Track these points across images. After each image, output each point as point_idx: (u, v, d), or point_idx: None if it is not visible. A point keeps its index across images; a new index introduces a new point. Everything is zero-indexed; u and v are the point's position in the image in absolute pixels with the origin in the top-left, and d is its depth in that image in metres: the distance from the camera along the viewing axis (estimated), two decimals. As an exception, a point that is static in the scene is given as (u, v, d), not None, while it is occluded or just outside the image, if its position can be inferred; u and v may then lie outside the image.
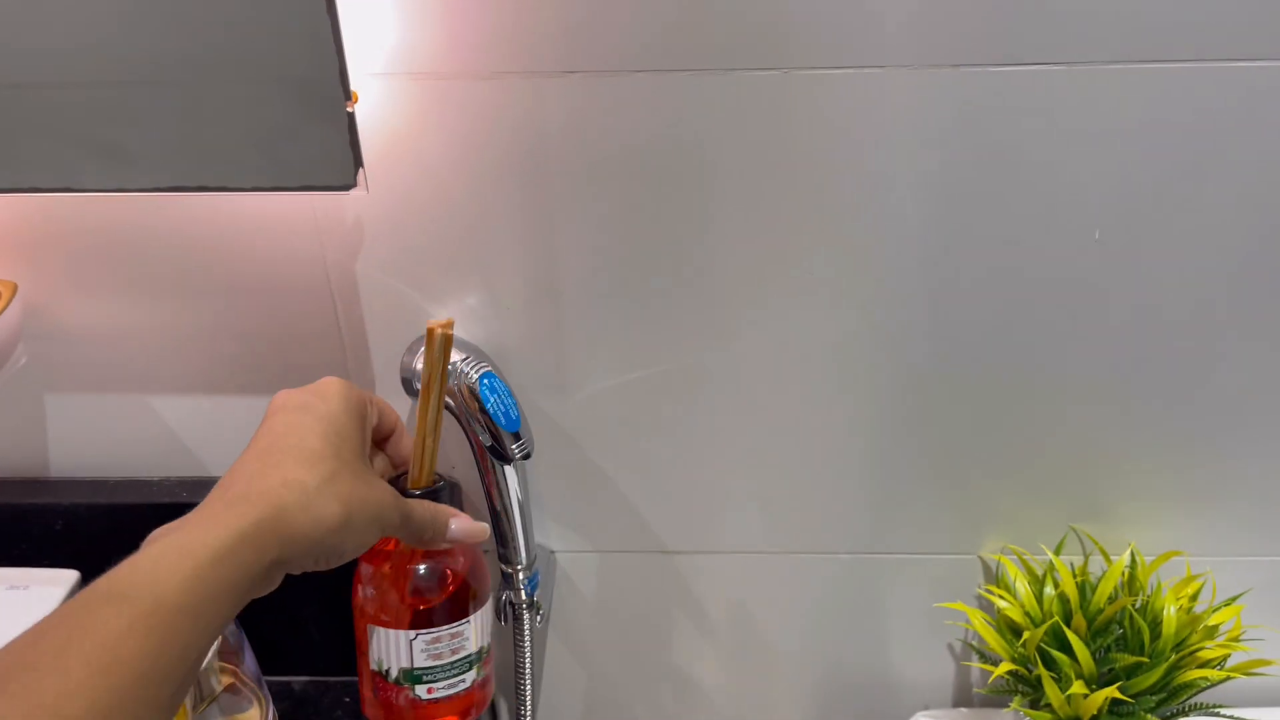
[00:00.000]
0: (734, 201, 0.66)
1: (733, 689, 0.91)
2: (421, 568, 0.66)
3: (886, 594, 0.85)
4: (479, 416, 0.68)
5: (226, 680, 0.64)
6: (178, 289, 0.71)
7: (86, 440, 0.78)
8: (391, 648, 0.66)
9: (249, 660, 0.64)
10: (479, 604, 0.68)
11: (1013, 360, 0.72)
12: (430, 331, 0.55)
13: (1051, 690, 0.67)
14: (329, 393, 0.52)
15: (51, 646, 0.38)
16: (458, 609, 0.66)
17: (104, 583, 0.40)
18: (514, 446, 0.69)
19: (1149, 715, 0.68)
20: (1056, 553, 0.77)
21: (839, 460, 0.77)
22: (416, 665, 0.66)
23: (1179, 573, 0.77)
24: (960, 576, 0.83)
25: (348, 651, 0.82)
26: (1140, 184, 0.65)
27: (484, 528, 0.56)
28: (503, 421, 0.68)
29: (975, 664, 0.78)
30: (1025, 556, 0.78)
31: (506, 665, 0.90)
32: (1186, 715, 0.72)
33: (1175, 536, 0.79)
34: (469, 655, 0.67)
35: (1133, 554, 0.75)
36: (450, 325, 0.55)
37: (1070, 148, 0.64)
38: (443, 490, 0.60)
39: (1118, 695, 0.66)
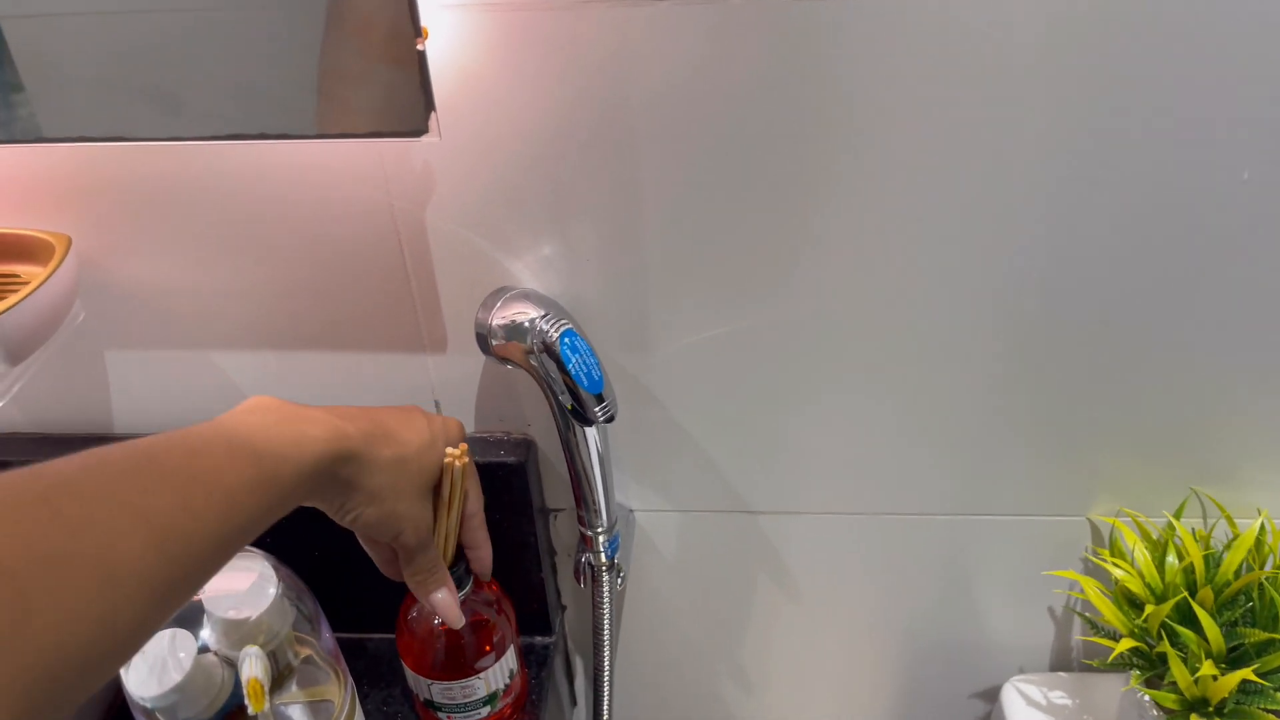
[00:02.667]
0: (837, 142, 0.60)
1: (817, 652, 0.87)
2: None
3: (983, 556, 0.80)
4: (559, 378, 0.63)
5: (303, 652, 0.62)
6: (239, 242, 0.67)
7: (150, 396, 0.75)
8: (417, 681, 0.70)
9: (326, 637, 0.61)
10: (496, 656, 0.70)
11: (1134, 311, 0.66)
12: (449, 465, 0.59)
13: (1179, 670, 0.62)
14: (446, 422, 0.60)
15: (187, 474, 0.42)
16: (468, 665, 0.69)
17: (244, 433, 0.46)
18: (596, 409, 0.64)
19: (1281, 696, 0.64)
20: (1177, 517, 0.72)
21: (939, 418, 0.72)
22: (435, 700, 0.70)
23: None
24: (1063, 539, 0.78)
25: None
26: (1300, 117, 0.57)
27: (458, 619, 0.62)
28: (585, 383, 0.63)
29: (1091, 637, 0.73)
30: (1140, 519, 0.73)
31: (585, 626, 0.87)
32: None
33: (1307, 501, 0.73)
34: (481, 698, 0.70)
35: (1263, 521, 0.69)
36: (465, 454, 0.59)
37: (1217, 76, 0.56)
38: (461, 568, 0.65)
39: (1251, 677, 0.61)
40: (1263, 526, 0.69)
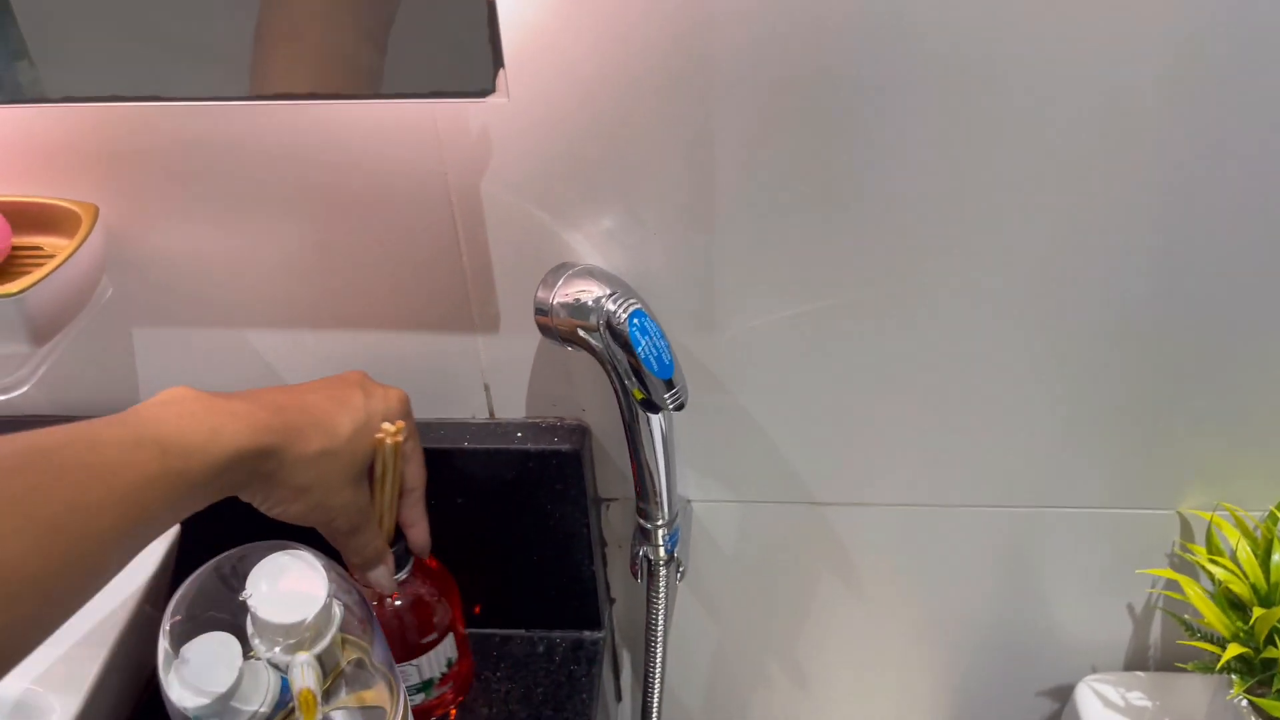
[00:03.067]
0: (931, 113, 0.55)
1: (879, 647, 0.83)
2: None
3: (1060, 550, 0.75)
4: (626, 362, 0.59)
5: (351, 655, 0.57)
6: (277, 210, 0.62)
7: (180, 378, 0.69)
8: None
9: (378, 640, 0.57)
10: (436, 641, 0.67)
11: (1238, 295, 0.61)
12: (380, 442, 0.56)
13: (1292, 682, 0.58)
14: (385, 397, 0.57)
15: (95, 465, 0.41)
16: (403, 651, 0.66)
17: (151, 425, 0.45)
18: (666, 396, 0.59)
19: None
20: (1271, 521, 0.67)
21: (1022, 407, 0.67)
22: None
23: None
24: (1149, 534, 0.73)
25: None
26: None
27: (391, 586, 0.61)
28: (654, 368, 0.59)
29: (1190, 641, 0.69)
30: (1240, 513, 0.68)
31: (633, 619, 0.83)
32: None
33: None
34: (414, 684, 0.68)
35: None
36: (400, 431, 0.57)
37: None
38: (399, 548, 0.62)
39: (1376, 691, 0.56)
40: (1376, 524, 0.64)
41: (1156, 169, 0.56)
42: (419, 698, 0.69)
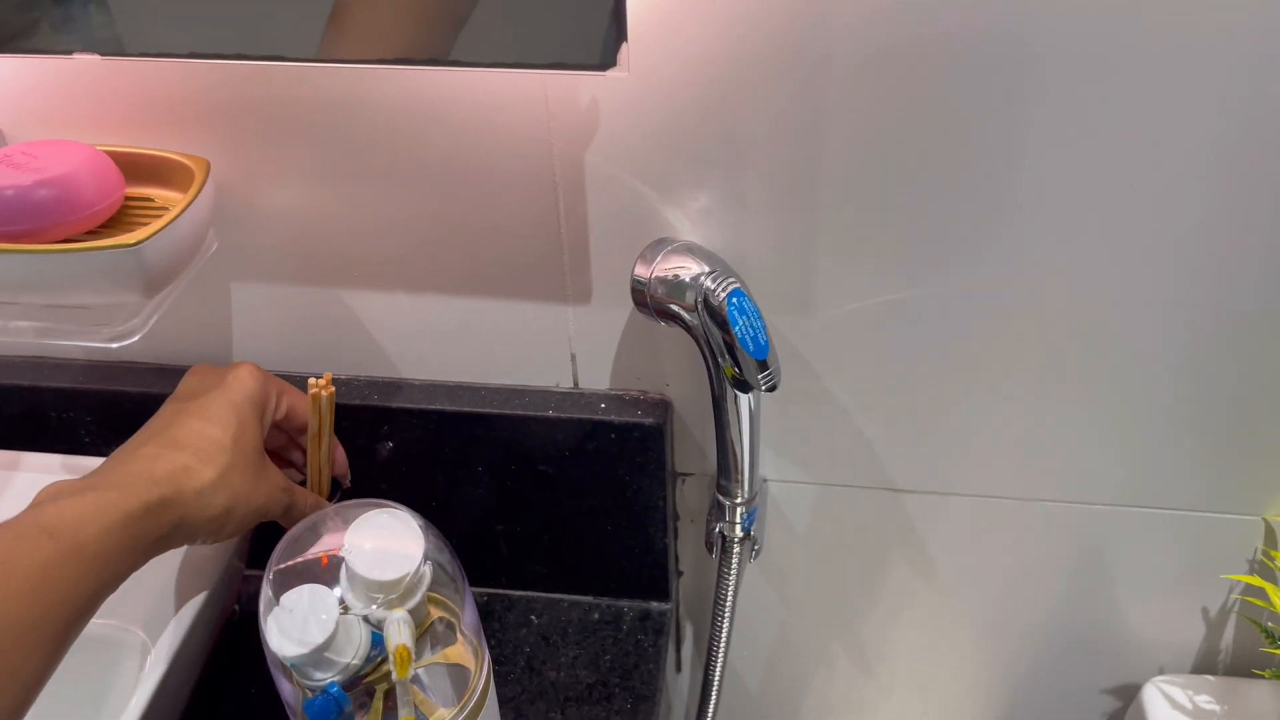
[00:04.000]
0: (1051, 103, 0.54)
1: (946, 636, 0.83)
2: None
3: (1140, 549, 0.75)
4: (721, 340, 0.59)
5: (437, 614, 0.59)
6: (382, 172, 0.62)
7: (274, 334, 0.71)
8: None
9: (469, 612, 0.58)
10: None
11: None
12: (315, 397, 0.59)
13: (1383, 697, 0.57)
14: (239, 383, 0.57)
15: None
16: None
17: (28, 517, 0.46)
18: (760, 376, 0.60)
19: None
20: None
21: (1116, 404, 0.66)
22: None
23: None
24: (1232, 539, 0.73)
25: (530, 567, 0.77)
26: None
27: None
28: (750, 347, 0.59)
29: (1271, 649, 0.68)
30: (1330, 526, 0.67)
31: (698, 592, 0.84)
32: None
33: None
34: None
35: None
36: (329, 383, 0.59)
37: None
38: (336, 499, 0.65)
39: None
40: None
41: (1247, 192, 0.55)
42: None
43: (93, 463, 0.72)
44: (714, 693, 0.80)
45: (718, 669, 0.79)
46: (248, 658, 0.72)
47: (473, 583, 0.80)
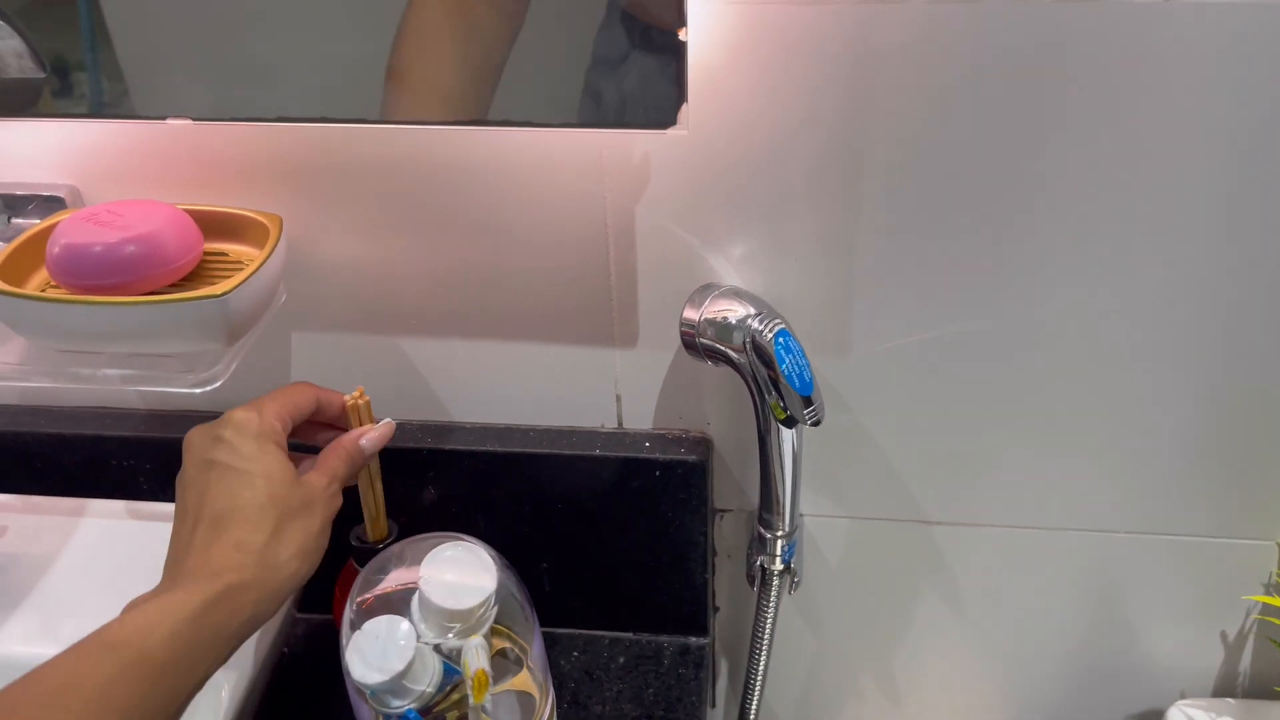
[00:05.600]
0: (1070, 156, 0.59)
1: (973, 666, 0.86)
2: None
3: (1159, 576, 0.78)
4: (768, 378, 0.62)
5: (502, 643, 0.61)
6: (437, 225, 0.66)
7: (330, 380, 0.74)
8: None
9: (537, 643, 0.61)
10: None
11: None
12: (354, 408, 0.62)
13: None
14: (240, 434, 0.55)
15: (53, 686, 0.44)
16: None
17: (94, 636, 0.46)
18: (805, 411, 0.63)
19: None
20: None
21: (1138, 436, 0.70)
22: None
23: None
24: (1247, 563, 0.76)
25: (572, 604, 0.80)
26: None
27: (386, 426, 0.63)
28: (796, 384, 0.62)
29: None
30: (1340, 548, 0.71)
31: (736, 628, 0.87)
32: None
33: None
34: None
35: None
36: (361, 394, 0.62)
37: None
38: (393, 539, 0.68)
39: None
40: None
41: (1267, 227, 0.60)
42: None
43: (154, 508, 0.75)
44: (752, 725, 0.82)
45: (754, 701, 0.82)
46: (302, 692, 0.74)
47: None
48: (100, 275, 0.59)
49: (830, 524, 0.78)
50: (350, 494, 0.63)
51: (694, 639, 0.82)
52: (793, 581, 0.76)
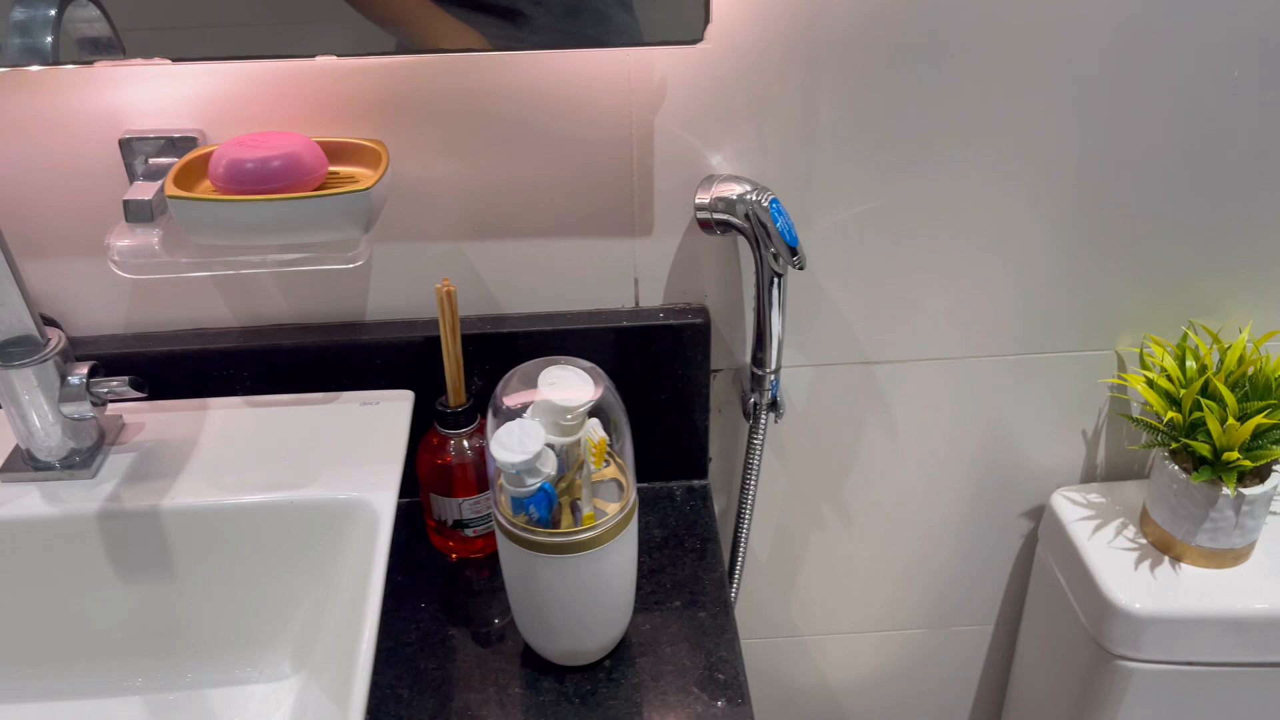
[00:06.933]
0: (963, 74, 0.84)
1: (906, 485, 1.10)
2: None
3: (1034, 388, 1.04)
4: (767, 235, 0.85)
5: (609, 473, 0.79)
6: (497, 142, 0.85)
7: (401, 285, 0.92)
8: (446, 505, 0.90)
9: (627, 444, 0.79)
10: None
11: (1154, 196, 0.92)
12: (446, 293, 0.80)
13: (1212, 424, 0.88)
14: None
15: None
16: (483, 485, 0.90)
17: None
18: (794, 259, 0.86)
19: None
20: (1183, 341, 0.98)
21: (1018, 272, 0.96)
22: (465, 518, 0.91)
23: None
24: (1095, 370, 1.03)
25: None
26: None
27: None
28: (787, 238, 0.85)
29: (1148, 446, 0.99)
30: (1159, 341, 0.99)
31: (730, 477, 1.08)
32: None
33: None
34: (487, 513, 0.91)
35: (1247, 333, 0.96)
36: (447, 282, 0.81)
37: None
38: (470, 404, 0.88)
39: (1264, 421, 0.86)
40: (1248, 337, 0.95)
41: (1113, 119, 0.87)
42: (488, 522, 0.92)
43: (264, 398, 0.90)
44: (743, 544, 1.04)
45: (746, 526, 1.03)
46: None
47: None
48: (259, 182, 0.75)
49: (798, 373, 1.01)
50: (433, 368, 0.83)
51: (696, 481, 1.03)
52: (778, 415, 0.98)
